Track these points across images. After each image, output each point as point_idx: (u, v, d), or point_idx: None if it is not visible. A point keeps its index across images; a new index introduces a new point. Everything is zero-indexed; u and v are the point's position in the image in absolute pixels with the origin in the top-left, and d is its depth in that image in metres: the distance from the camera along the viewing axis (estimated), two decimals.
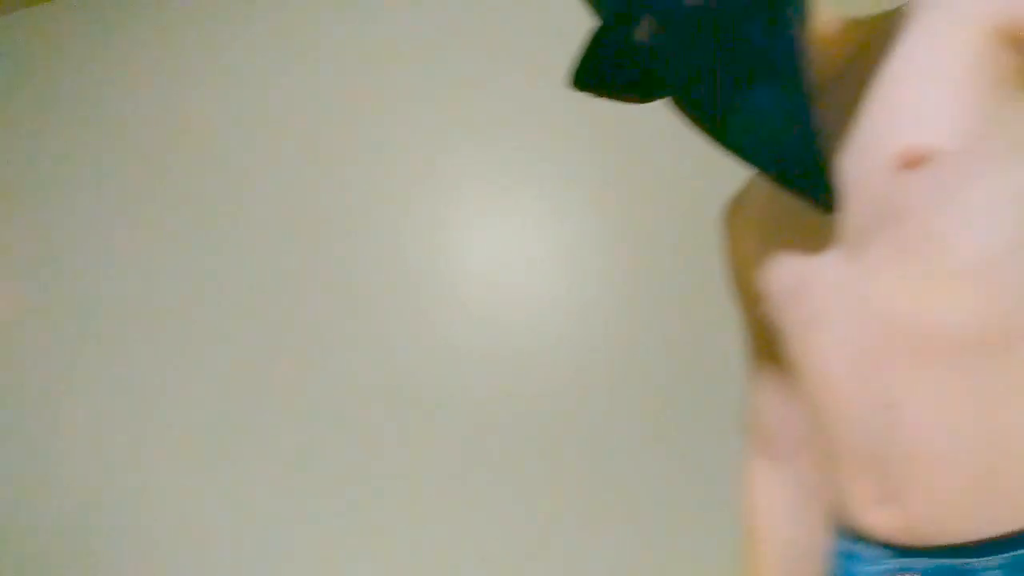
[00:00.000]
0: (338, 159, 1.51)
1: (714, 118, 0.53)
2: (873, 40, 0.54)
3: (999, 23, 0.45)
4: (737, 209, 0.70)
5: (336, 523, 1.30)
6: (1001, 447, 0.44)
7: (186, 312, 1.51)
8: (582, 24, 1.41)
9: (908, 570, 0.47)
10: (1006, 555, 0.43)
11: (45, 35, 1.83)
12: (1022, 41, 0.44)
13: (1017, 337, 0.45)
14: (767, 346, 0.69)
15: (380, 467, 1.31)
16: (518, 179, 1.38)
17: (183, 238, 1.56)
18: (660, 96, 0.62)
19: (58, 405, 1.54)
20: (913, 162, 0.46)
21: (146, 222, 1.60)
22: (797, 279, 0.57)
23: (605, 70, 0.59)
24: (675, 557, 1.11)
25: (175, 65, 1.70)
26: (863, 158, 0.50)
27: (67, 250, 1.64)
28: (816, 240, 0.55)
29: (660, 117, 1.31)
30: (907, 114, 0.48)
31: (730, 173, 1.24)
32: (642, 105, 0.62)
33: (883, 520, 0.49)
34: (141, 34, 1.75)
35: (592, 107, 1.35)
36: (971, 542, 0.44)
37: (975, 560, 0.44)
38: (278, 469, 1.36)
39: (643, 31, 0.54)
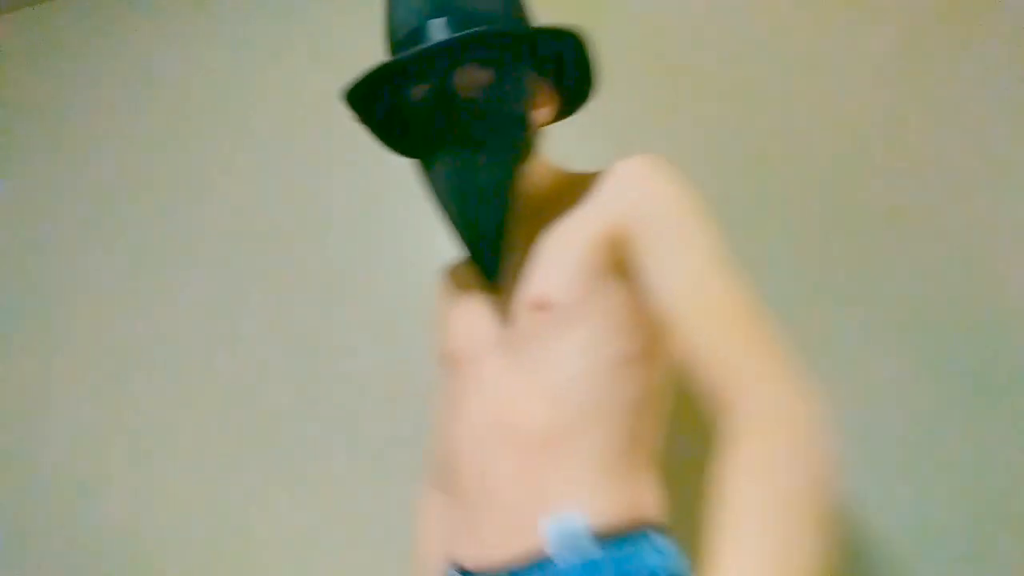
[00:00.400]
0: (339, 160, 1.50)
1: (442, 181, 0.69)
2: (564, 194, 0.75)
3: (612, 228, 0.68)
4: (451, 274, 0.87)
5: (339, 521, 1.30)
6: (541, 509, 0.64)
7: (188, 313, 1.51)
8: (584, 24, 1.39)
9: None
10: (535, 568, 0.63)
11: (45, 35, 1.82)
12: (617, 246, 0.68)
13: (567, 443, 0.65)
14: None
15: (383, 464, 1.29)
16: None
17: (182, 238, 1.54)
18: (409, 154, 0.79)
19: (57, 407, 1.53)
20: (540, 307, 0.68)
21: (146, 220, 1.59)
22: (468, 353, 0.75)
23: (376, 103, 0.75)
24: None
25: (176, 65, 1.69)
26: (520, 289, 0.71)
27: (66, 249, 1.63)
28: (489, 331, 0.74)
29: (661, 126, 1.31)
30: (546, 270, 0.69)
31: (728, 187, 1.22)
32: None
33: (471, 552, 0.68)
34: (142, 34, 1.74)
35: (594, 112, 1.33)
36: (518, 565, 0.63)
37: (516, 574, 0.64)
38: (282, 469, 1.36)
39: (418, 92, 0.70)
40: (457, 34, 0.65)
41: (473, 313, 0.77)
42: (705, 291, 0.59)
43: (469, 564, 0.68)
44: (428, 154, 0.70)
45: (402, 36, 0.70)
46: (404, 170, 1.43)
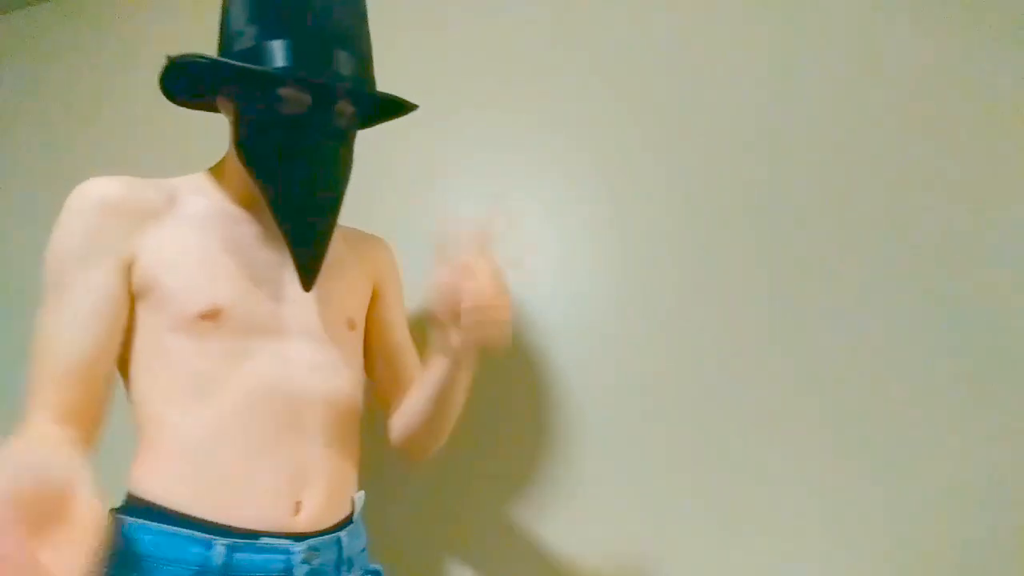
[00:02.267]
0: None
1: (308, 169, 0.81)
2: (347, 239, 0.98)
3: (376, 287, 1.00)
4: (157, 206, 0.87)
5: None
6: (347, 488, 0.88)
7: None
8: (587, 12, 1.37)
9: (314, 548, 0.78)
10: (346, 528, 0.85)
11: (45, 35, 1.82)
12: (373, 300, 1.00)
13: (352, 439, 0.89)
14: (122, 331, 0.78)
15: (388, 458, 1.28)
16: (519, 176, 1.35)
17: None
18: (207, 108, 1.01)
19: None
20: (351, 327, 0.90)
21: None
22: (268, 326, 0.82)
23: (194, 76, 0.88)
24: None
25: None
26: (339, 306, 0.90)
27: None
28: (294, 314, 0.85)
29: (657, 122, 1.28)
30: (351, 297, 0.92)
31: (732, 184, 1.19)
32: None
33: (299, 519, 0.78)
34: (141, 34, 1.73)
35: (593, 107, 1.31)
36: (333, 525, 0.82)
37: (334, 534, 0.82)
38: None
39: (293, 95, 0.78)
40: (379, 92, 0.83)
41: (269, 282, 0.83)
42: (409, 340, 1.04)
43: (298, 528, 0.78)
44: (287, 140, 0.79)
45: (299, 42, 0.76)
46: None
